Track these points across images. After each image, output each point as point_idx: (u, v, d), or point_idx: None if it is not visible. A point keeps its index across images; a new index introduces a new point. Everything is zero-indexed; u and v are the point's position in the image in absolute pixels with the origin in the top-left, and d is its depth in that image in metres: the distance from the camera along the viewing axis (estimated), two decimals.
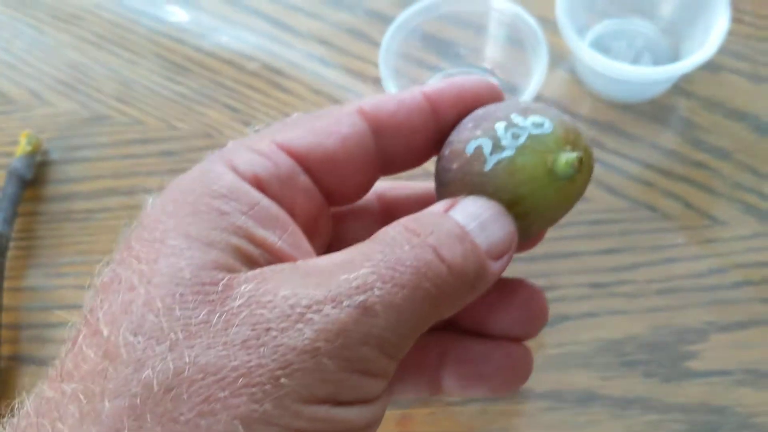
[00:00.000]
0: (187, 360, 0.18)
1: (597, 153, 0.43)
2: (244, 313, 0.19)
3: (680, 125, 0.44)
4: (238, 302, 0.19)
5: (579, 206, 0.42)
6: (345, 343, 0.19)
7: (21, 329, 0.42)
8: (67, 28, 0.51)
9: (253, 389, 0.18)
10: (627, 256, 0.40)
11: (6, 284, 0.43)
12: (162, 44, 0.49)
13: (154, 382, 0.18)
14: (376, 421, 0.20)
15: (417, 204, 0.28)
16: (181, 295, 0.19)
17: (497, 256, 0.22)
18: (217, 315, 0.19)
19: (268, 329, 0.18)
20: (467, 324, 0.27)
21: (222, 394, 0.18)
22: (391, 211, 0.29)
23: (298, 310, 0.19)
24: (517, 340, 0.27)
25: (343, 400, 0.19)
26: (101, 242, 0.44)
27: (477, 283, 0.22)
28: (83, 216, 0.45)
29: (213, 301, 0.19)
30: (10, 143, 0.47)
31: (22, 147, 0.46)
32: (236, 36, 0.49)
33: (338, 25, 0.49)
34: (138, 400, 0.18)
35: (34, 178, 0.46)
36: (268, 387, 0.18)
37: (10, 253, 0.44)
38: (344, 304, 0.19)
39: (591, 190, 0.42)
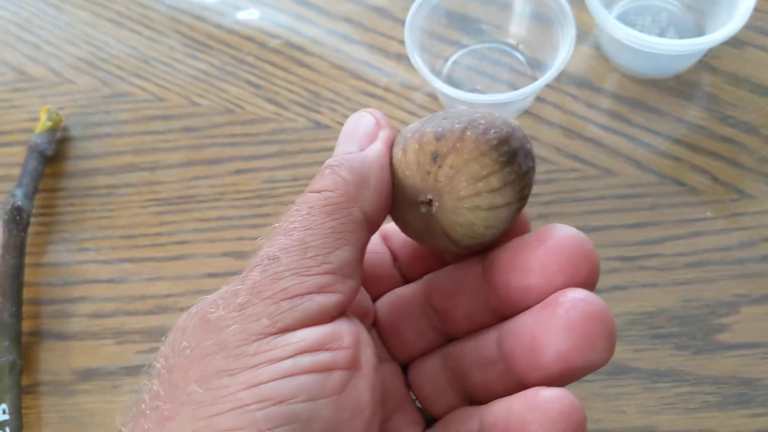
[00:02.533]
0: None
1: (623, 128, 0.43)
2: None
3: (706, 100, 0.43)
4: None
5: (607, 181, 0.42)
6: (259, 288, 0.22)
7: (42, 305, 0.42)
8: (85, 5, 0.50)
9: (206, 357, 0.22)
10: (655, 229, 0.40)
11: (27, 260, 0.42)
12: (182, 21, 0.49)
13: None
14: (336, 339, 0.22)
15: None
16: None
17: (367, 141, 0.25)
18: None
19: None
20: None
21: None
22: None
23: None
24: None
25: (284, 327, 0.21)
26: (123, 217, 0.43)
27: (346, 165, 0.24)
28: (105, 192, 0.44)
29: None
30: (30, 119, 0.47)
31: (43, 123, 0.45)
32: (257, 13, 0.49)
33: (360, 2, 0.48)
34: None
35: (54, 154, 0.45)
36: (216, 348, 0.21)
37: (30, 229, 0.43)
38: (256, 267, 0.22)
39: (619, 165, 0.42)
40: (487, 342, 0.26)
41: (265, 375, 0.20)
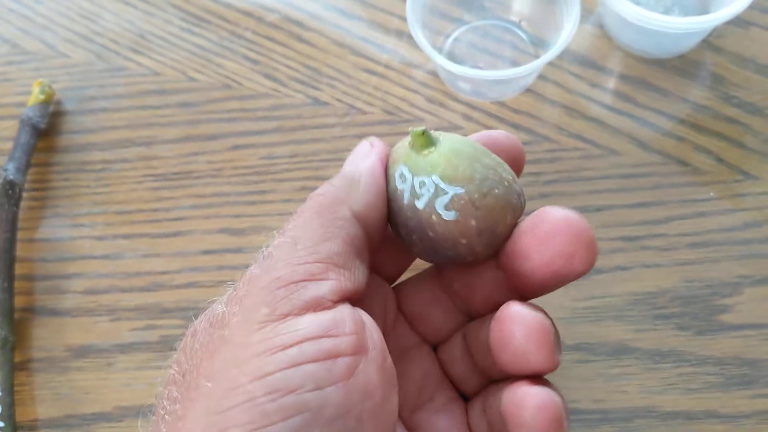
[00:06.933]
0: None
1: (627, 107, 0.42)
2: None
3: (710, 80, 0.43)
4: None
5: (610, 160, 0.41)
6: (255, 281, 0.23)
7: (35, 280, 0.41)
8: None
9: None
10: (659, 209, 0.40)
11: (20, 235, 0.41)
12: None
13: None
14: (338, 325, 0.22)
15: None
16: None
17: (361, 159, 0.27)
18: None
19: None
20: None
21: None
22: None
23: None
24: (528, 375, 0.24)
25: (284, 313, 0.22)
26: (119, 193, 0.43)
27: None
28: (100, 167, 0.44)
29: None
30: (23, 93, 0.46)
31: (35, 96, 0.44)
32: None
33: None
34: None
35: (47, 128, 0.44)
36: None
37: (23, 204, 0.42)
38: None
39: (622, 144, 0.41)
40: (483, 328, 0.27)
41: (273, 365, 0.20)
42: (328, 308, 0.22)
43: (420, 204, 0.25)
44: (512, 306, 0.24)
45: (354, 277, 0.24)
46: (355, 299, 0.24)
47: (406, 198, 0.25)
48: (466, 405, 0.28)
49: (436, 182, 0.25)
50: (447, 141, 0.25)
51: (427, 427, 0.27)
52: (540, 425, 0.22)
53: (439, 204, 0.24)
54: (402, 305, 0.29)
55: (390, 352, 0.28)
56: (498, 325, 0.24)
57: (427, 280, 0.29)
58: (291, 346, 0.21)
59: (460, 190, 0.25)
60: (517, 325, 0.24)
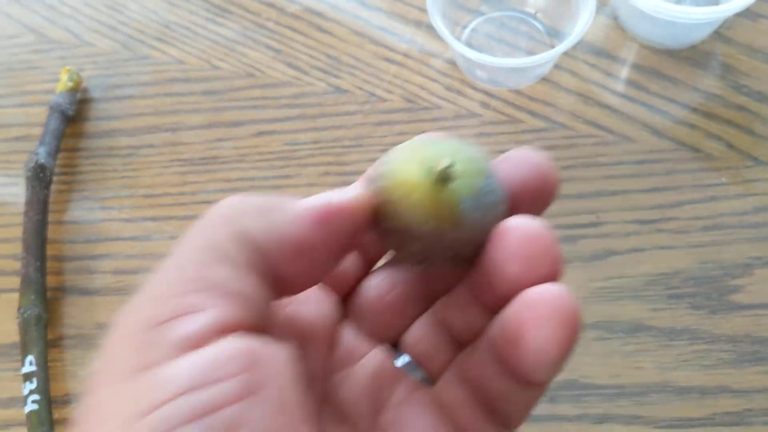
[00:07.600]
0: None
1: (640, 96, 0.43)
2: None
3: (721, 70, 0.44)
4: None
5: (625, 147, 0.42)
6: (122, 322, 0.20)
7: (65, 261, 0.42)
8: None
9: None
10: (672, 194, 0.41)
11: (49, 217, 0.43)
12: None
13: None
14: (217, 368, 0.19)
15: None
16: None
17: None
18: None
19: None
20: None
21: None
22: None
23: None
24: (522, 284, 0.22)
25: (155, 359, 0.19)
26: (146, 176, 0.44)
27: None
28: (126, 152, 0.45)
29: None
30: (51, 81, 0.47)
31: (63, 83, 0.45)
32: None
33: None
34: None
35: (75, 114, 0.46)
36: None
37: (53, 188, 0.43)
38: None
39: (636, 132, 0.43)
40: (462, 288, 0.25)
41: None
42: (208, 345, 0.19)
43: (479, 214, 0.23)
44: (512, 218, 0.22)
45: (249, 303, 0.20)
46: (255, 328, 0.20)
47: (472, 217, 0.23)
48: (430, 388, 0.26)
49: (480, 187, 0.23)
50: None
51: (396, 424, 0.25)
52: (566, 311, 0.20)
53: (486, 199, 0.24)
54: (354, 310, 0.27)
55: (333, 363, 0.26)
56: (501, 240, 0.22)
57: (388, 276, 0.27)
58: (162, 405, 0.18)
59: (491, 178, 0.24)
60: (521, 231, 0.22)
